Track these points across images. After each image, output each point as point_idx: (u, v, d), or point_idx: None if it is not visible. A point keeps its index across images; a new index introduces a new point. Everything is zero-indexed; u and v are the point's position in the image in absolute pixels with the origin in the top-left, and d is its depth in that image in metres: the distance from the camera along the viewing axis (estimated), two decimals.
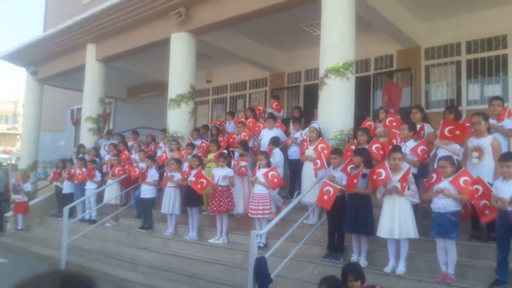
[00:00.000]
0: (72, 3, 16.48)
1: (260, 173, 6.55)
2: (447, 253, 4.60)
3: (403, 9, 9.02)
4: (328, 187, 5.54)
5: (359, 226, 5.31)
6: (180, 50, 9.75)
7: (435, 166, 5.38)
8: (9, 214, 11.28)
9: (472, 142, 5.38)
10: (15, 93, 77.83)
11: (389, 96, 8.90)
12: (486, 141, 5.25)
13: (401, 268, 4.90)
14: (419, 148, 5.72)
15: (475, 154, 5.21)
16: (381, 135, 7.13)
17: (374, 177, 5.13)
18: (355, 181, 5.45)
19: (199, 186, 7.13)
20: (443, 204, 4.68)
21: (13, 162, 19.42)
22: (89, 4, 14.27)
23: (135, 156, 9.72)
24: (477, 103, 9.10)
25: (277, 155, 7.32)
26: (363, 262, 5.30)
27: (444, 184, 4.74)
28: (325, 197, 5.51)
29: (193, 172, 7.41)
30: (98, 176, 9.72)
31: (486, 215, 4.53)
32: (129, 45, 11.02)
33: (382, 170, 5.08)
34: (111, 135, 12.10)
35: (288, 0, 7.85)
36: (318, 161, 6.25)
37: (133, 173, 8.87)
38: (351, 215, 5.38)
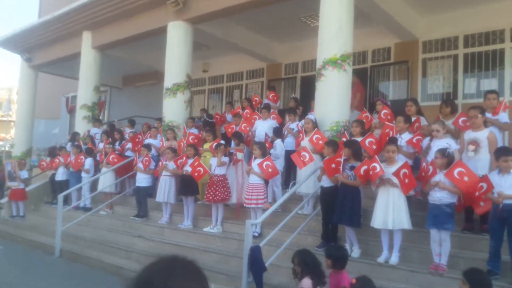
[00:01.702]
0: None
1: (255, 163, 6.57)
2: (441, 244, 4.64)
3: (402, 2, 8.98)
4: (305, 153, 6.13)
5: (345, 217, 5.34)
6: (177, 39, 9.67)
7: (428, 159, 5.42)
8: (3, 200, 11.25)
9: (469, 135, 5.41)
10: (9, 79, 76.99)
11: (360, 94, 8.95)
12: (482, 135, 5.28)
13: (394, 259, 4.95)
14: (415, 139, 5.75)
15: (471, 147, 5.25)
16: (376, 127, 7.16)
17: (371, 172, 5.16)
18: (333, 165, 5.53)
19: (196, 174, 7.15)
20: (437, 197, 4.72)
21: (7, 149, 19.32)
22: None
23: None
24: (473, 97, 9.12)
25: (278, 147, 7.32)
26: (356, 251, 5.36)
27: (439, 177, 4.78)
28: (302, 158, 6.28)
29: (190, 161, 7.41)
30: (87, 164, 9.67)
31: (481, 207, 4.56)
32: (125, 33, 10.92)
33: (376, 164, 5.12)
34: (101, 124, 12.06)
35: None
36: (306, 154, 6.25)
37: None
38: (338, 206, 5.42)
